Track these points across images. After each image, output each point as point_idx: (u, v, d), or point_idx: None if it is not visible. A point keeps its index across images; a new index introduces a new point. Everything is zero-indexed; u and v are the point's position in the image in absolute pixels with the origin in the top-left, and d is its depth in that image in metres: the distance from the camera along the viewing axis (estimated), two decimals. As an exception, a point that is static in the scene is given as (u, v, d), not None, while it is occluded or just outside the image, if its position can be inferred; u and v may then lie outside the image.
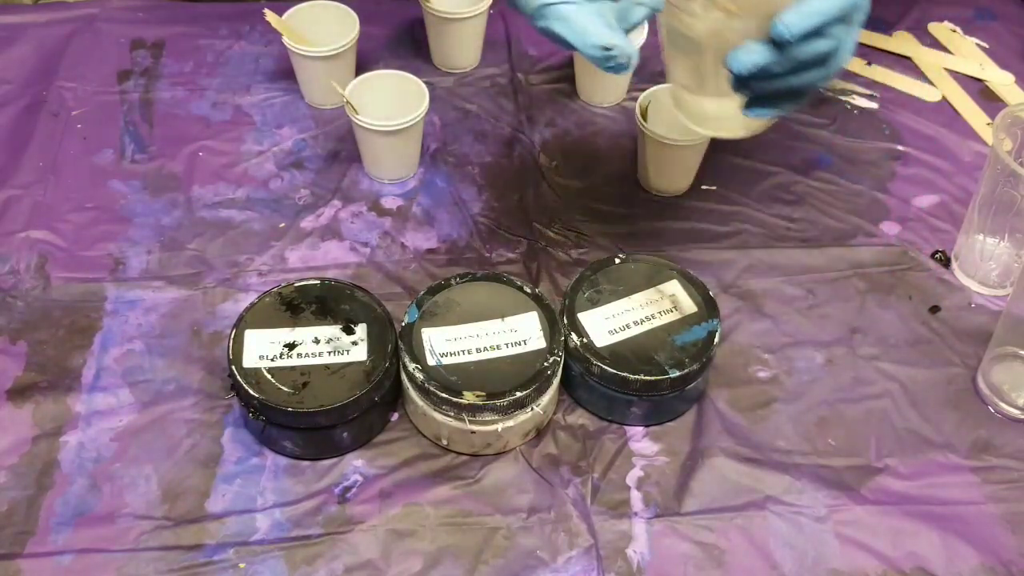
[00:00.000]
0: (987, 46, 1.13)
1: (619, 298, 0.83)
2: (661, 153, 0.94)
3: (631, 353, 0.80)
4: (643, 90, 0.97)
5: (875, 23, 1.15)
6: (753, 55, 0.69)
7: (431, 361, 0.78)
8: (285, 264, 0.92)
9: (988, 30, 1.15)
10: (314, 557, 0.74)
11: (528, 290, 0.83)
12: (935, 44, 1.14)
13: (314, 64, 1.01)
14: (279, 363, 0.78)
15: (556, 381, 0.79)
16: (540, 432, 0.81)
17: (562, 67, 1.09)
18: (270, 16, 1.00)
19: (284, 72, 1.07)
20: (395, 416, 0.82)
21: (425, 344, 0.79)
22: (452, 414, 0.77)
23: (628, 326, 0.81)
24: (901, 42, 1.14)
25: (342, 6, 1.03)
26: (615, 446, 0.81)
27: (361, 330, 0.80)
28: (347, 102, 0.94)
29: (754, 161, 1.01)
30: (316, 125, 1.04)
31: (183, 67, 1.09)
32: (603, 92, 1.06)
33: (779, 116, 0.74)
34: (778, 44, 0.69)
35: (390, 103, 0.97)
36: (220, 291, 0.90)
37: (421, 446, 0.81)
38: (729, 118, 0.76)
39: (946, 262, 0.93)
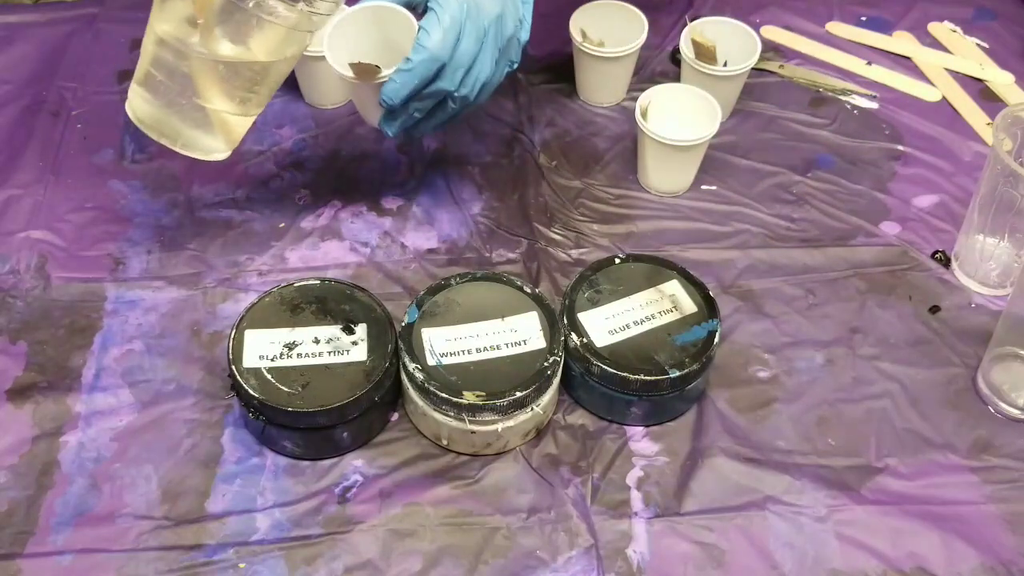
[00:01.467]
0: (987, 46, 1.13)
1: (619, 298, 0.83)
2: (661, 153, 0.94)
3: (631, 353, 0.80)
4: (643, 90, 0.97)
5: (875, 23, 1.15)
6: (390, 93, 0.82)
7: (431, 361, 0.78)
8: (285, 264, 0.92)
9: (988, 30, 1.15)
10: (314, 557, 0.74)
11: (528, 290, 0.83)
12: (935, 44, 1.14)
13: (314, 64, 1.01)
14: (279, 363, 0.78)
15: (556, 381, 0.79)
16: (540, 432, 0.81)
17: (562, 67, 1.09)
18: (270, 16, 1.00)
19: (284, 72, 1.07)
20: (395, 416, 0.82)
21: (425, 344, 0.79)
22: (452, 414, 0.77)
23: (628, 326, 0.81)
24: (901, 42, 1.14)
25: (341, 6, 1.03)
26: (615, 446, 0.81)
27: (361, 330, 0.80)
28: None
29: (754, 161, 1.01)
30: (316, 125, 1.04)
31: (183, 67, 1.09)
32: (603, 92, 1.06)
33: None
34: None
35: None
36: (220, 291, 0.90)
37: (421, 446, 0.81)
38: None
39: (946, 262, 0.93)
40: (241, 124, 0.85)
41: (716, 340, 0.80)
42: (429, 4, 0.81)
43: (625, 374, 0.78)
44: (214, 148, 0.85)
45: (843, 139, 1.04)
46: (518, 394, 0.76)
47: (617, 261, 0.86)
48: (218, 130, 0.84)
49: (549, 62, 1.10)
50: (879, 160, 1.02)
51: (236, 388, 0.78)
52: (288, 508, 0.77)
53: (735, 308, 0.89)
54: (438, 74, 0.81)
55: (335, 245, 0.94)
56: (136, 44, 1.11)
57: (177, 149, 0.84)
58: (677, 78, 1.05)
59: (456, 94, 0.82)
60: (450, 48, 0.80)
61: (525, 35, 0.85)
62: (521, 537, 0.76)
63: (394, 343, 0.79)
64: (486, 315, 0.81)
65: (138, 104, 0.84)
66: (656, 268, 0.85)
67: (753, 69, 1.03)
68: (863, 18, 1.16)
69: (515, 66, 0.86)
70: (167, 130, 0.84)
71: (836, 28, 1.15)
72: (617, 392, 0.79)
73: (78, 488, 0.77)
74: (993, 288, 0.91)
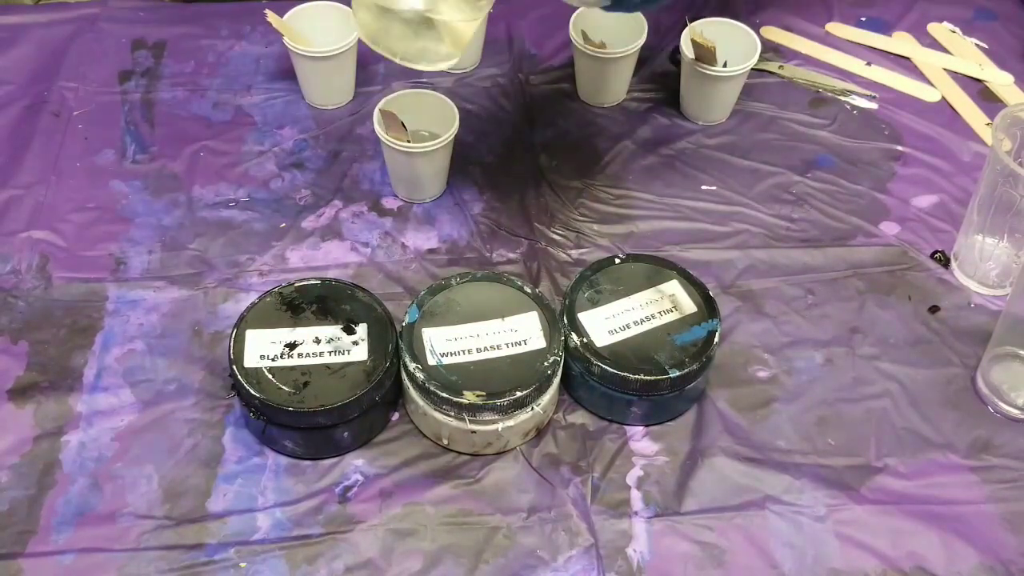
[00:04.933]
0: (987, 46, 1.13)
1: (619, 298, 0.83)
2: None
3: (631, 353, 0.80)
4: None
5: (875, 23, 1.16)
6: None
7: (431, 361, 0.78)
8: (286, 264, 0.92)
9: (988, 30, 1.15)
10: (315, 556, 0.74)
11: (528, 290, 0.83)
12: (935, 44, 1.14)
13: (315, 64, 1.01)
14: (280, 363, 0.78)
15: (556, 381, 0.79)
16: (540, 432, 0.81)
17: (562, 67, 1.09)
18: (271, 17, 1.00)
19: (285, 72, 1.07)
20: (396, 416, 0.82)
21: (425, 344, 0.79)
22: (452, 414, 0.77)
23: (628, 326, 0.81)
24: (901, 42, 1.14)
25: (342, 7, 1.03)
26: (615, 446, 0.81)
27: (362, 330, 0.80)
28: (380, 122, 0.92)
29: (754, 161, 1.01)
30: (317, 125, 1.04)
31: (184, 67, 1.09)
32: (603, 92, 1.06)
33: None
34: None
35: (420, 118, 0.96)
36: (221, 291, 0.90)
37: (422, 446, 0.81)
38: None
39: (946, 262, 0.93)
40: (470, 27, 0.82)
41: (716, 340, 0.81)
42: None
43: (625, 374, 0.78)
44: (441, 55, 0.81)
45: (843, 139, 1.04)
46: (518, 394, 0.76)
47: (617, 261, 0.86)
48: (445, 37, 0.81)
49: (550, 62, 1.10)
50: (879, 160, 1.02)
51: (237, 388, 0.78)
52: (289, 508, 0.77)
53: (735, 308, 0.90)
54: None
55: (336, 245, 0.94)
56: (137, 44, 1.11)
57: (397, 62, 0.81)
58: (677, 78, 1.05)
59: None
60: None
61: None
62: (521, 537, 0.76)
63: (395, 343, 0.79)
64: (486, 315, 0.81)
65: (363, 17, 0.81)
66: (656, 268, 0.85)
67: (753, 69, 1.03)
68: (863, 18, 1.16)
69: None
70: (387, 43, 0.81)
71: (836, 28, 1.15)
72: (617, 392, 0.80)
73: (79, 488, 0.78)
74: (992, 288, 0.91)
